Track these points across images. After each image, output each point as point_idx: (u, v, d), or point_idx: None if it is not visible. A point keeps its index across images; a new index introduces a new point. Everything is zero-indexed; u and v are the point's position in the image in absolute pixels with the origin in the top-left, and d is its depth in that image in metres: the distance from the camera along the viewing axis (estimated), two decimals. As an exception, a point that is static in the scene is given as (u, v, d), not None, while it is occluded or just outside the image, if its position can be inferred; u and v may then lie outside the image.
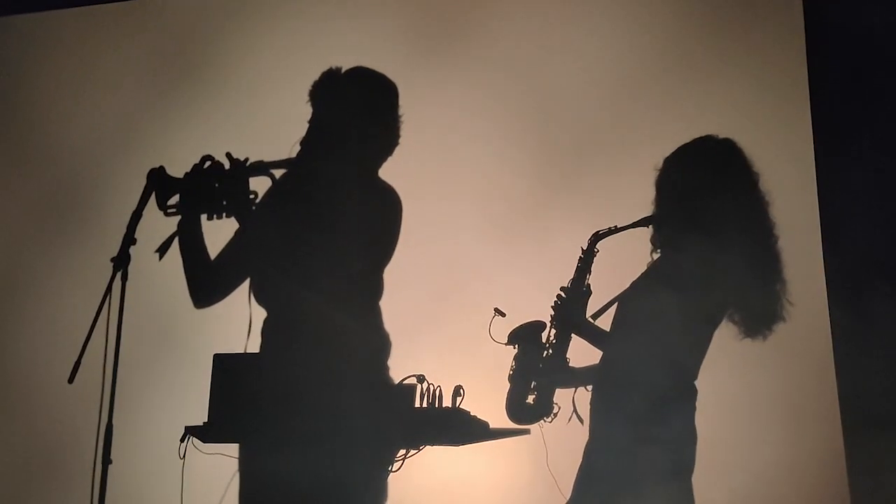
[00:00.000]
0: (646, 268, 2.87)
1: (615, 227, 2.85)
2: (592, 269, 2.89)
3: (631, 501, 2.62)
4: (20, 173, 4.52)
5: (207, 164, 2.64)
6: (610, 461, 2.68)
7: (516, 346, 2.88)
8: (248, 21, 4.37)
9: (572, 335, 2.88)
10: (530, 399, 2.87)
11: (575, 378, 2.87)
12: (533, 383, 2.87)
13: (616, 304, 2.83)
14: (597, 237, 2.88)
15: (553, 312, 2.88)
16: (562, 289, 2.89)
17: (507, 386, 2.88)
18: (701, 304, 2.68)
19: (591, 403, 2.81)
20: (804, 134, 3.66)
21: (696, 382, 2.77)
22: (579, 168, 3.71)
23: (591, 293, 2.88)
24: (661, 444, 2.64)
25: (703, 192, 2.75)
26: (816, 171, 3.64)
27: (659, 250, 2.86)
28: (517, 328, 2.88)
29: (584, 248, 2.89)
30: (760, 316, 2.77)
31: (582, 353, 2.89)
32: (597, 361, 2.85)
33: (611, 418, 2.71)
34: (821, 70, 3.68)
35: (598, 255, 2.89)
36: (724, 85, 3.76)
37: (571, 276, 2.89)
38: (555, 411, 2.85)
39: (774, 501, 3.39)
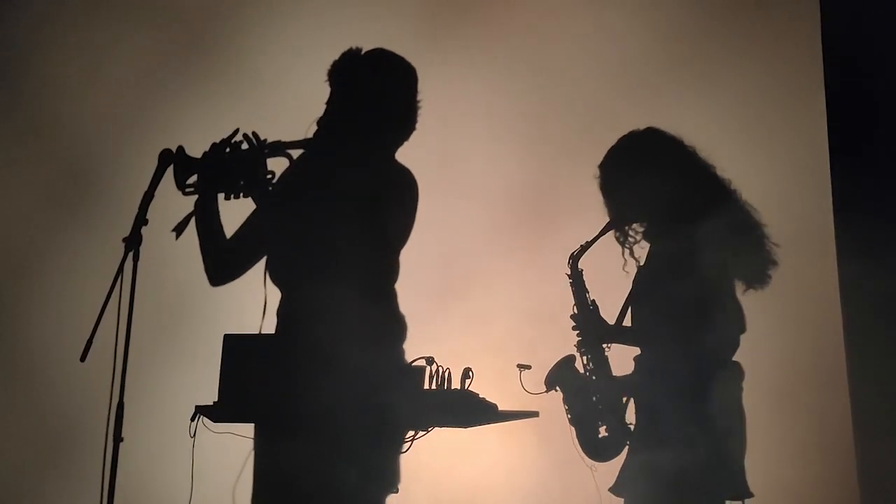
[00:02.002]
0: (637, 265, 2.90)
1: (586, 242, 2.88)
2: (588, 286, 2.89)
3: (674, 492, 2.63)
4: (33, 154, 4.53)
5: (226, 144, 2.64)
6: (655, 453, 2.68)
7: (556, 389, 2.83)
8: (263, 1, 4.37)
9: (607, 353, 2.85)
10: (602, 432, 2.81)
11: (631, 387, 2.82)
12: (596, 417, 2.81)
13: (630, 306, 2.85)
14: (573, 258, 2.90)
15: (577, 340, 2.86)
16: (571, 316, 2.88)
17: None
18: (705, 275, 2.68)
19: (635, 401, 2.81)
20: (818, 126, 3.65)
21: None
22: (586, 160, 3.70)
23: (598, 307, 2.88)
24: (706, 431, 2.63)
25: (651, 181, 2.78)
26: (830, 166, 3.64)
27: (634, 246, 2.89)
28: (550, 372, 2.84)
29: (569, 273, 2.89)
30: (754, 264, 2.78)
31: (621, 366, 2.88)
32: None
33: (655, 411, 2.72)
34: (835, 59, 3.67)
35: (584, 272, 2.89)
36: (740, 76, 3.75)
37: (573, 302, 2.88)
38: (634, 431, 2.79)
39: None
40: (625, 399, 2.82)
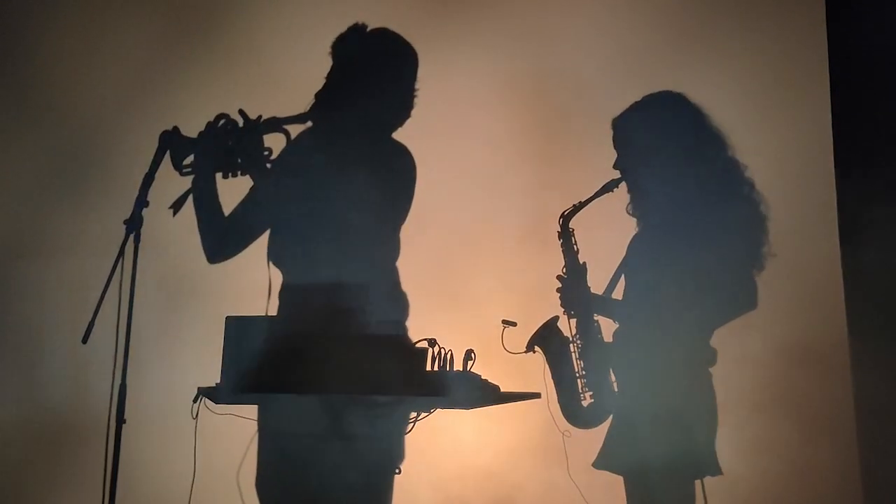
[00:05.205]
0: (636, 230, 2.85)
1: (578, 203, 2.82)
2: (579, 246, 2.83)
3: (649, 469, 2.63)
4: (34, 134, 4.52)
5: (222, 122, 2.64)
6: (633, 428, 2.68)
7: (534, 350, 2.77)
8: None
9: (597, 317, 2.78)
10: (587, 398, 2.74)
11: (613, 357, 2.75)
12: (580, 382, 2.76)
13: (623, 272, 2.81)
14: (564, 217, 2.84)
15: (561, 302, 2.79)
16: (558, 277, 2.83)
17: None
18: (699, 257, 2.65)
19: (614, 373, 2.77)
20: (822, 106, 3.64)
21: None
22: (590, 135, 3.69)
23: (587, 269, 2.82)
24: (677, 413, 2.63)
25: (666, 146, 2.72)
26: (834, 153, 3.62)
27: (643, 212, 2.82)
28: (533, 334, 2.78)
29: (559, 231, 2.84)
30: (748, 254, 2.73)
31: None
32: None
33: (632, 385, 2.70)
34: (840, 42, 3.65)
35: (575, 232, 2.84)
36: (746, 49, 3.74)
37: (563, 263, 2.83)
38: None
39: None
40: (611, 368, 2.76)
